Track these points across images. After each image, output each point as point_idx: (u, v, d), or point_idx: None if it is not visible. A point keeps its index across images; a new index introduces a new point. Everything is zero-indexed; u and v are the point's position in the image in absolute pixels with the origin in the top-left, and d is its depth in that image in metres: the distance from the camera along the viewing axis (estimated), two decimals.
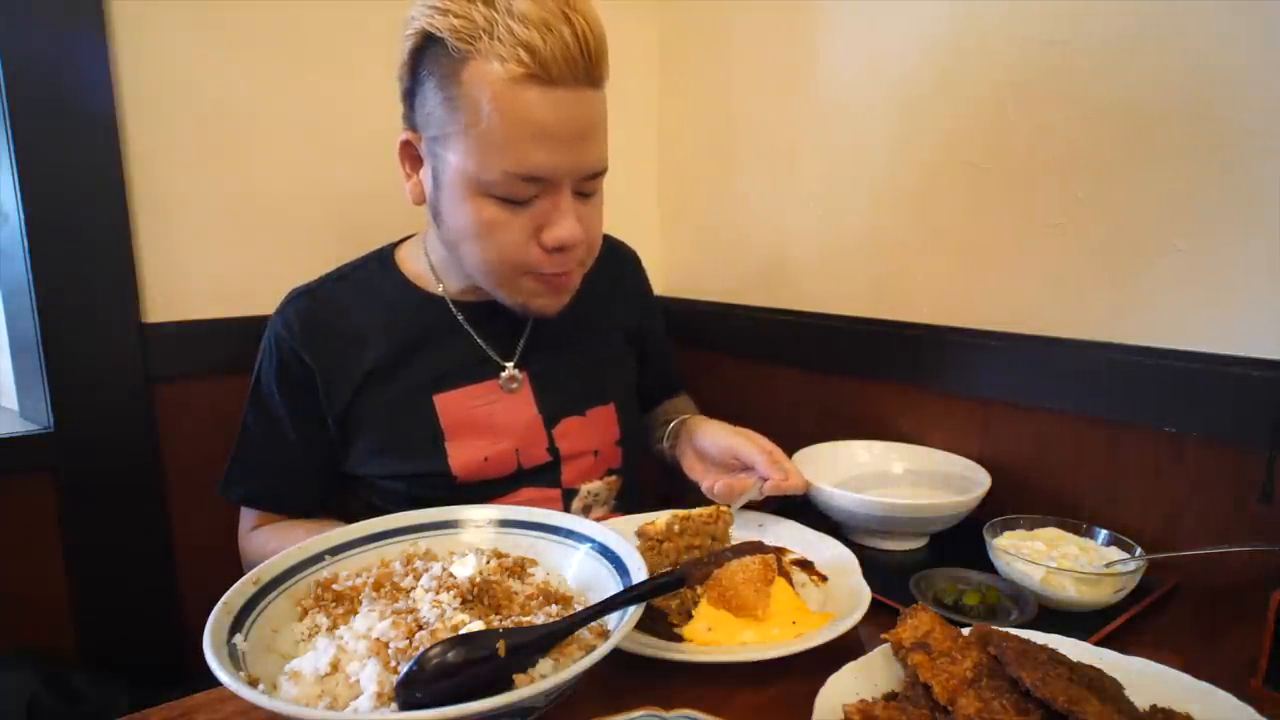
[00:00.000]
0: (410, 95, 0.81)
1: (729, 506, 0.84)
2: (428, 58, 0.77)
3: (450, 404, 0.90)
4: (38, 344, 0.96)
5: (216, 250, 1.08)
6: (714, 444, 0.93)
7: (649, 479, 1.06)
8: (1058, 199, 0.94)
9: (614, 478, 1.00)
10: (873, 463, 1.06)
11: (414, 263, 0.95)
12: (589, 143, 0.79)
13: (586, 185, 0.82)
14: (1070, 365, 0.93)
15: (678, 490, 0.94)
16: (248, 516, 0.95)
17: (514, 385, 0.93)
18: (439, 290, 0.93)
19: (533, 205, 0.79)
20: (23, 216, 0.93)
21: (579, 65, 0.74)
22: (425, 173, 0.84)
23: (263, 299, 1.05)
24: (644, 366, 1.10)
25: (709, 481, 0.91)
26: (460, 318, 0.93)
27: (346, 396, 0.89)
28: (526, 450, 0.93)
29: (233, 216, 1.09)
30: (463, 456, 0.89)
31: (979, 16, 0.98)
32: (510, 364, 0.94)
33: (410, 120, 0.83)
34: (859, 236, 1.16)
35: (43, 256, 0.94)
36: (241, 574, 0.63)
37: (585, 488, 0.97)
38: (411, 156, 0.85)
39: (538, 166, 0.76)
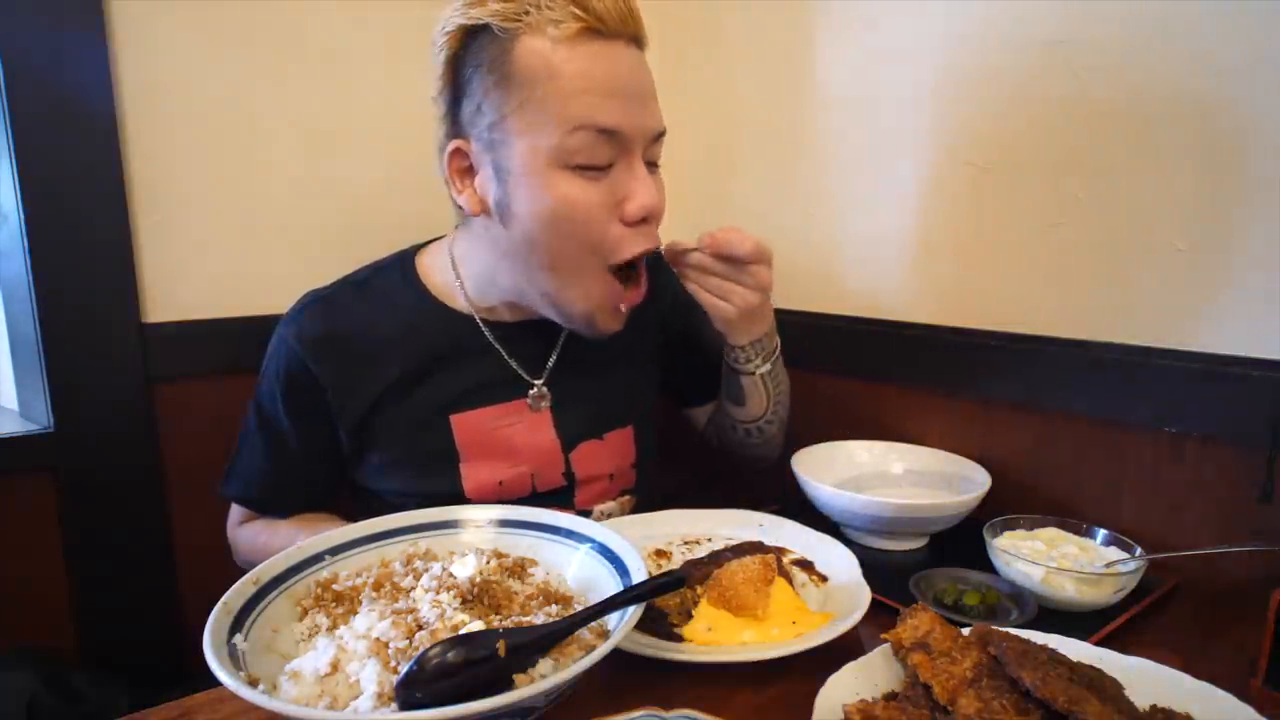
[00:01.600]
0: (455, 102, 0.79)
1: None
2: (470, 53, 0.76)
3: (467, 425, 0.88)
4: (38, 344, 0.96)
5: (216, 250, 1.08)
6: None
7: (660, 493, 1.06)
8: (1058, 199, 0.94)
9: (627, 498, 0.99)
10: (873, 463, 1.05)
11: (438, 274, 0.92)
12: (651, 101, 0.79)
13: (652, 151, 0.81)
14: (1070, 365, 0.93)
15: (683, 498, 0.94)
16: (237, 509, 0.95)
17: (543, 404, 0.91)
18: (464, 305, 0.90)
19: (609, 176, 0.78)
20: (23, 216, 0.93)
21: (629, 22, 0.75)
22: (484, 176, 0.80)
23: (263, 299, 1.05)
24: (700, 367, 1.07)
25: None
26: (489, 336, 0.90)
27: (361, 411, 0.86)
28: (542, 474, 0.91)
29: (233, 216, 1.09)
30: (477, 479, 0.88)
31: (979, 17, 0.98)
32: (539, 381, 0.92)
33: (457, 128, 0.80)
34: (858, 237, 1.16)
35: (43, 256, 0.94)
36: (240, 571, 0.63)
37: (599, 508, 0.96)
38: (461, 169, 0.81)
39: (610, 118, 0.75)
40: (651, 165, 0.82)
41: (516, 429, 0.90)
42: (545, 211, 0.77)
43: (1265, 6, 0.77)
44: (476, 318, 0.90)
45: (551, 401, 0.92)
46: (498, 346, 0.90)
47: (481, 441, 0.88)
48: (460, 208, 0.84)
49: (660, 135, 0.82)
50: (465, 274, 0.90)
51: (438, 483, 0.87)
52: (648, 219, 0.80)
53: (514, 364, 0.91)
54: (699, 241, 0.84)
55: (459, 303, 0.91)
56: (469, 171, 0.81)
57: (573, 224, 0.77)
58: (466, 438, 0.88)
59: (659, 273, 1.00)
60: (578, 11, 0.72)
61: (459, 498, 0.87)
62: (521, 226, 0.79)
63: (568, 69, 0.73)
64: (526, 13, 0.73)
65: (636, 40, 0.77)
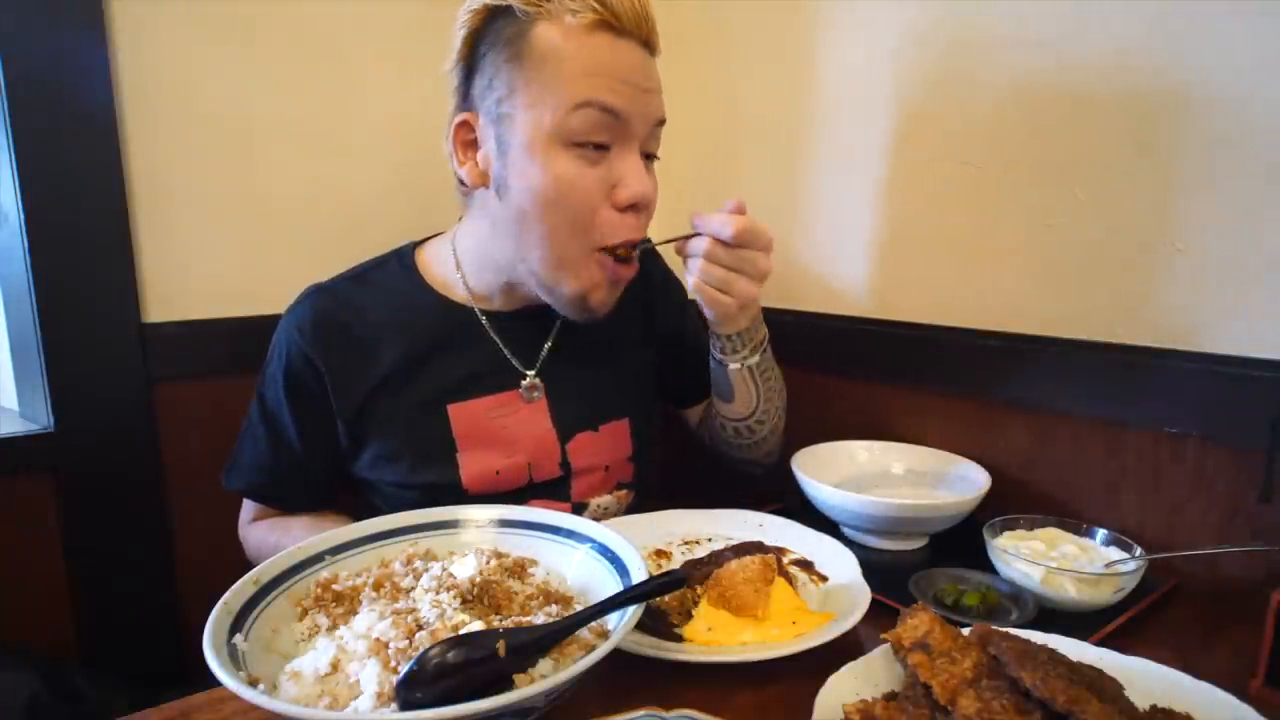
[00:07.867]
0: (467, 77, 0.82)
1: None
2: (490, 31, 0.80)
3: (465, 414, 0.89)
4: (38, 344, 0.96)
5: (216, 250, 1.08)
6: None
7: (661, 493, 1.06)
8: (1057, 199, 0.94)
9: (624, 492, 0.99)
10: (873, 463, 1.06)
11: (438, 266, 0.94)
12: (656, 95, 0.82)
13: (651, 143, 0.84)
14: (1070, 365, 0.93)
15: (684, 498, 0.93)
16: (249, 506, 0.95)
17: (535, 394, 0.92)
18: (463, 295, 0.92)
19: (606, 160, 0.80)
20: (23, 216, 0.93)
21: (644, 24, 0.79)
22: (486, 150, 0.83)
23: (263, 299, 1.05)
24: (690, 366, 1.07)
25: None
26: (484, 324, 0.92)
27: (358, 401, 0.87)
28: (539, 464, 0.92)
29: (233, 216, 1.09)
30: (474, 469, 0.88)
31: (979, 16, 0.98)
32: (531, 372, 0.93)
33: (466, 102, 0.83)
34: (859, 236, 1.16)
35: (43, 256, 0.94)
36: (242, 567, 0.63)
37: (595, 502, 0.96)
38: (466, 141, 0.84)
39: (614, 99, 0.78)
40: (649, 158, 0.85)
41: (513, 419, 0.91)
42: (539, 188, 0.79)
43: (1264, 5, 0.77)
44: (473, 306, 0.92)
45: (546, 392, 0.93)
46: (493, 336, 0.92)
47: (479, 431, 0.89)
48: (462, 182, 0.87)
49: (660, 123, 0.84)
50: (465, 263, 0.92)
51: (435, 473, 0.88)
52: (637, 207, 0.82)
53: (507, 353, 0.92)
54: (695, 224, 0.83)
55: (457, 293, 0.92)
56: (473, 145, 0.84)
57: (565, 203, 0.80)
58: (464, 427, 0.89)
59: (649, 266, 1.02)
60: (595, 4, 0.76)
61: (456, 487, 0.88)
62: (517, 202, 0.81)
63: (579, 53, 0.77)
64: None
65: (648, 44, 0.81)
